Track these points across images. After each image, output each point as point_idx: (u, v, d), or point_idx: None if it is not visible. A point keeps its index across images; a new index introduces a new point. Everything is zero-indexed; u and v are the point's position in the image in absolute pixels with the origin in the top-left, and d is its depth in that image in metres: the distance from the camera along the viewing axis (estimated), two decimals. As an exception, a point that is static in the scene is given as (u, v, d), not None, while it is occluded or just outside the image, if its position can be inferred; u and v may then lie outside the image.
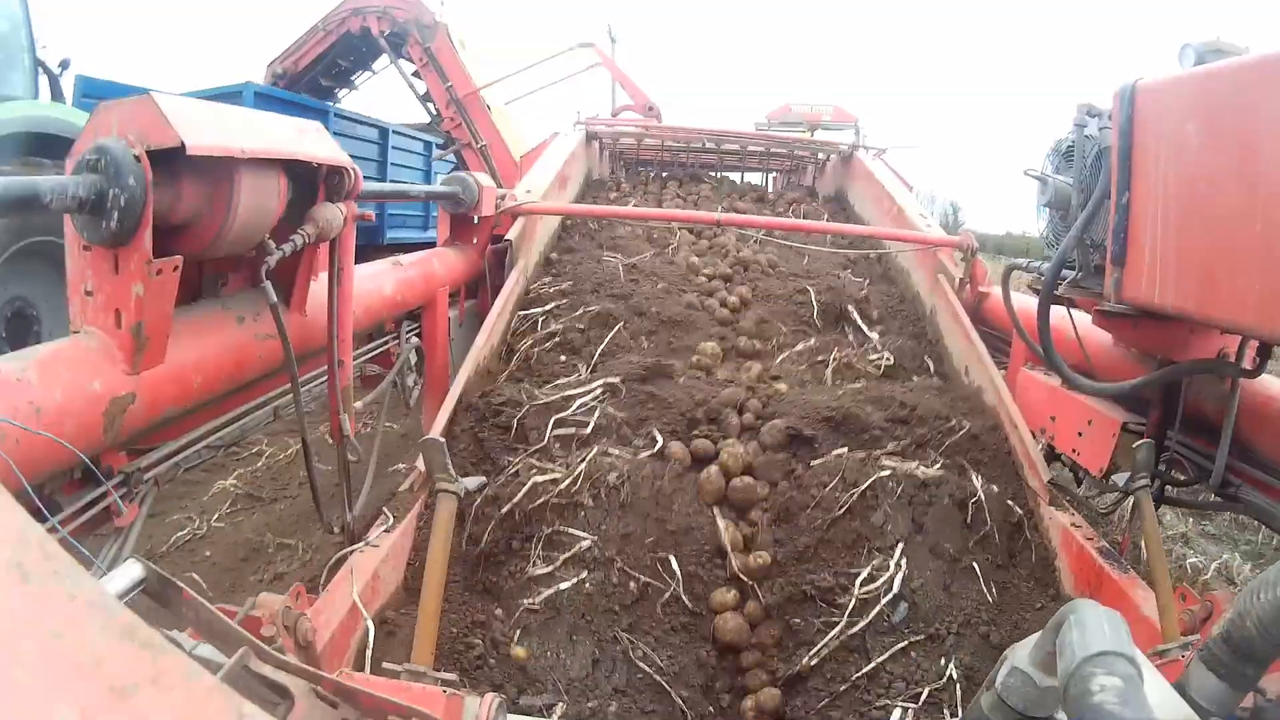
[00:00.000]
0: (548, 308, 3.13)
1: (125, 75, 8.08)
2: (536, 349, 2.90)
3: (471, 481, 1.85)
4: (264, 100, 7.55)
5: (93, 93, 6.84)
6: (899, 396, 2.55)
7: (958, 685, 1.75)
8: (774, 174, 7.05)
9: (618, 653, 1.84)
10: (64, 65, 5.96)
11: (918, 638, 1.84)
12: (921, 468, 2.19)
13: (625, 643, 1.86)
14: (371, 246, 7.61)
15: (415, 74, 8.50)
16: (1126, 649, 0.78)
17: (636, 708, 1.77)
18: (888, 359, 3.04)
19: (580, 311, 3.06)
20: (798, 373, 2.95)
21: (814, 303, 3.42)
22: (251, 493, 4.52)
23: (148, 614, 0.58)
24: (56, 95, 5.79)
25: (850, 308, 3.41)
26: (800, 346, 3.13)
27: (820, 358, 3.04)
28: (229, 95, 7.25)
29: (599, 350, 2.85)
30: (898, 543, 1.99)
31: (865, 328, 3.35)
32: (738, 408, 2.55)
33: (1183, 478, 2.27)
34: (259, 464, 4.84)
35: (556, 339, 2.95)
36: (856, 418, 2.41)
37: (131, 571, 0.84)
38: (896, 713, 1.70)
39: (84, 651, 0.47)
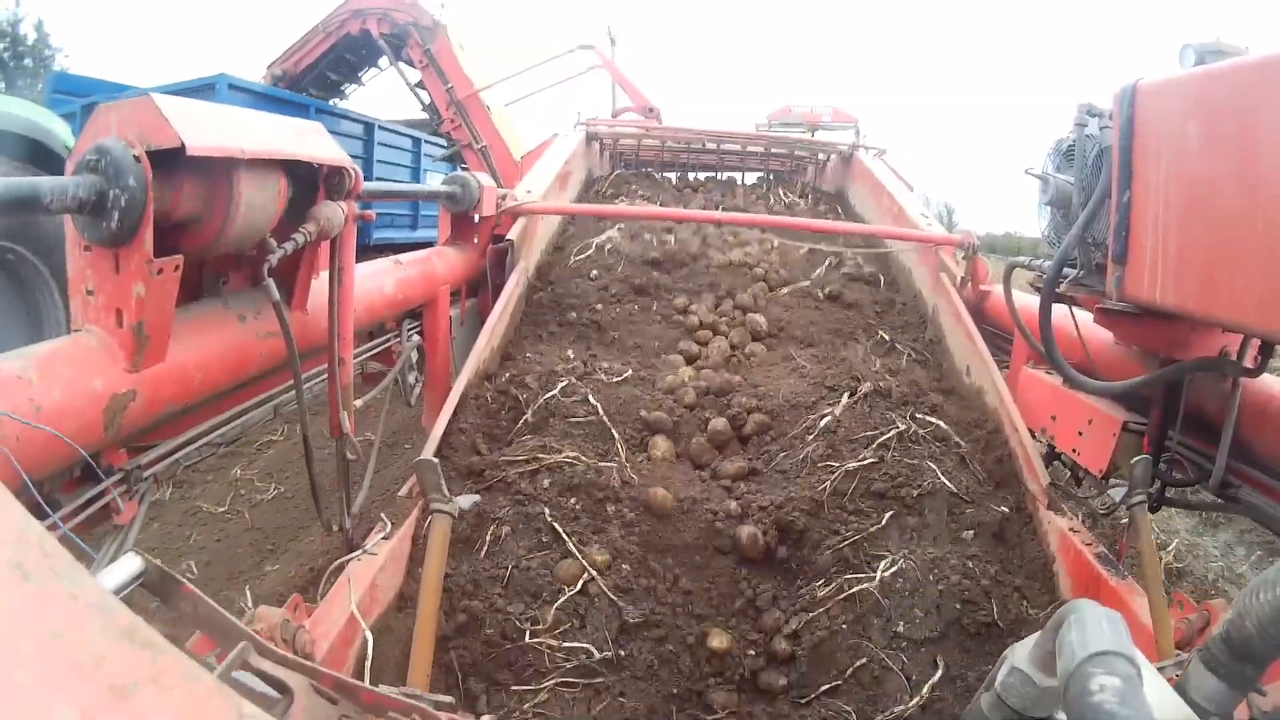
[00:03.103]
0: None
1: (95, 71, 7.98)
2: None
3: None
4: (238, 94, 7.21)
5: (65, 88, 6.69)
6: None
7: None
8: (775, 174, 7.04)
9: None
10: (16, 55, 5.73)
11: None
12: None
13: None
14: (358, 247, 7.44)
15: (408, 63, 8.43)
16: (1126, 649, 0.78)
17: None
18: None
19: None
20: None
21: None
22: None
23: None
24: (10, 87, 5.55)
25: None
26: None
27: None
28: (202, 89, 6.92)
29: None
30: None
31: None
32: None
33: (1182, 478, 2.26)
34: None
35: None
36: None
37: (130, 565, 0.83)
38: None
39: (84, 651, 0.47)
